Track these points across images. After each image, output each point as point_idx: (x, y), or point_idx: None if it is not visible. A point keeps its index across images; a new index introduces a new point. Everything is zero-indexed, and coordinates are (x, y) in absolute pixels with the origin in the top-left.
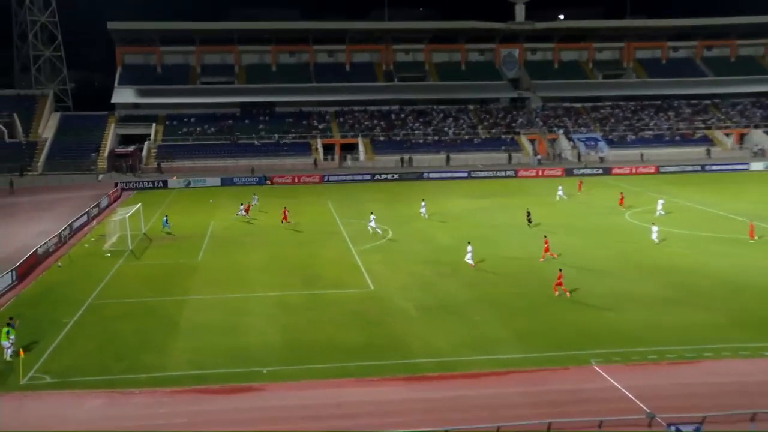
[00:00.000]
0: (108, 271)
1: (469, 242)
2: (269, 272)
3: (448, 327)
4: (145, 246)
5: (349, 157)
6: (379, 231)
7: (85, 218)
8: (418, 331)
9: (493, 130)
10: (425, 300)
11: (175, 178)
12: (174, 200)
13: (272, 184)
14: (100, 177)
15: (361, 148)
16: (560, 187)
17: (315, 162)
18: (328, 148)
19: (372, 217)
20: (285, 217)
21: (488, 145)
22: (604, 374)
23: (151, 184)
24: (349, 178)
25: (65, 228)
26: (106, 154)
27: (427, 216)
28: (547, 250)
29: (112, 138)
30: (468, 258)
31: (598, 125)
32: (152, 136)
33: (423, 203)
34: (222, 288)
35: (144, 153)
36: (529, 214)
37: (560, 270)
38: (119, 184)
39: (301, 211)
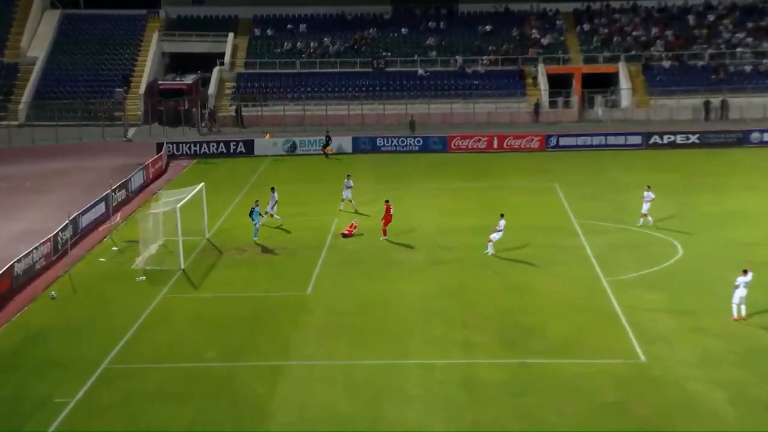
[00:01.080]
0: (141, 310)
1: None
2: (438, 319)
3: None
4: (210, 263)
5: (599, 100)
6: (490, 249)
7: (101, 209)
8: None
9: None
10: (750, 387)
11: (267, 136)
12: (264, 178)
13: (331, 153)
14: (131, 133)
15: (623, 83)
16: None
17: (536, 109)
18: (559, 83)
19: (501, 223)
20: (387, 220)
21: None
22: None
23: (222, 148)
24: (597, 141)
25: (65, 227)
26: (142, 89)
27: (651, 220)
28: None
29: (153, 59)
30: (736, 298)
31: None
32: (227, 58)
33: (647, 194)
34: (350, 347)
35: (211, 89)
36: None
37: None
38: (165, 147)
39: (501, 202)
